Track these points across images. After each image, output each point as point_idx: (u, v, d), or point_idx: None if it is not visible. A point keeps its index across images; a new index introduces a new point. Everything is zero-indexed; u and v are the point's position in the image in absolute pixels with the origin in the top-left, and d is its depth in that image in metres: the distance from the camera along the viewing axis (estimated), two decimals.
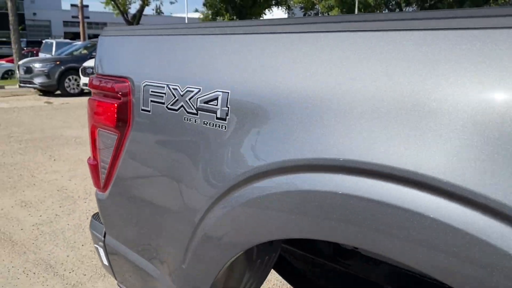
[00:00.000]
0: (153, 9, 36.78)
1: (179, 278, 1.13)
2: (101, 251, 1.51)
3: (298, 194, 0.79)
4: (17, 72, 13.90)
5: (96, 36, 60.21)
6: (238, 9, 27.82)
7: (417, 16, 0.70)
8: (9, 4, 17.80)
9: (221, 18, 32.53)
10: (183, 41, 1.09)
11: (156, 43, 1.18)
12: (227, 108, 0.93)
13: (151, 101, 1.12)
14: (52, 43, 19.41)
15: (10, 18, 17.97)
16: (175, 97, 1.05)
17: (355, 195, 0.71)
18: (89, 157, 1.45)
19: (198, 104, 0.99)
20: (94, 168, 1.41)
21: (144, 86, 1.14)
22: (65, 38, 43.83)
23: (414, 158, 0.65)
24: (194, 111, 1.00)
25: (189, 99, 1.01)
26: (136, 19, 31.60)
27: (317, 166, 0.76)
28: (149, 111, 1.14)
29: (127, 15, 31.81)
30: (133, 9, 32.56)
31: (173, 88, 1.05)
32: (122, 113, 1.21)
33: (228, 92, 0.93)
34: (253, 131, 0.88)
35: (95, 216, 1.58)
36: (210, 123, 0.97)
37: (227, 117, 0.93)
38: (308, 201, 0.78)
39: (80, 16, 17.74)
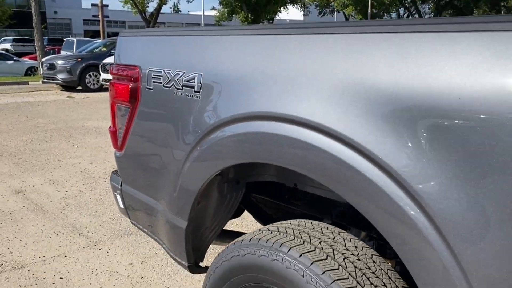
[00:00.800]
0: (170, 7, 37.36)
1: (172, 205, 1.62)
2: (119, 197, 2.02)
3: (241, 134, 1.28)
4: (41, 68, 14.63)
5: (114, 34, 61.19)
6: (252, 7, 28.27)
7: (301, 25, 1.18)
8: (32, 4, 18.56)
9: (237, 16, 33.01)
10: (173, 40, 1.60)
11: (156, 41, 1.68)
12: (200, 84, 1.42)
13: (153, 82, 1.62)
14: (73, 41, 20.18)
15: (34, 17, 18.75)
16: (168, 78, 1.54)
17: (268, 132, 1.19)
18: (110, 126, 1.96)
19: (183, 82, 1.48)
20: (114, 134, 1.92)
21: (148, 72, 1.64)
22: (85, 36, 44.91)
23: (298, 110, 1.13)
24: (180, 87, 1.49)
25: (177, 79, 1.50)
26: (153, 17, 32.31)
27: (248, 117, 1.25)
28: (151, 89, 1.64)
29: (145, 13, 32.56)
30: (151, 7, 33.19)
31: (167, 72, 1.55)
32: (133, 91, 1.71)
33: (201, 74, 1.42)
34: (215, 98, 1.37)
35: (114, 172, 2.09)
36: (190, 95, 1.46)
37: (200, 90, 1.42)
38: (246, 138, 1.27)
39: (100, 15, 18.44)
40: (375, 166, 0.97)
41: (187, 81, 1.46)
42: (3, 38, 37.49)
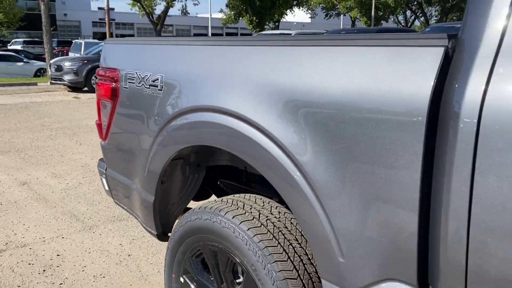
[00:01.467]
0: (179, 9, 37.81)
1: (143, 183, 1.97)
2: (104, 180, 2.37)
3: (190, 123, 1.62)
4: (49, 70, 15.10)
5: (123, 35, 61.74)
6: (257, 10, 28.65)
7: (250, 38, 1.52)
8: (42, 7, 19.08)
9: (243, 19, 33.41)
10: (144, 48, 1.95)
11: (131, 49, 2.03)
12: (162, 84, 1.76)
13: (128, 82, 1.97)
14: (81, 43, 20.65)
15: (43, 20, 19.25)
16: (139, 79, 1.89)
17: (208, 120, 1.54)
18: (96, 120, 2.31)
19: (150, 82, 1.82)
20: (99, 126, 2.27)
21: (125, 73, 1.99)
22: (93, 38, 45.55)
23: (227, 104, 1.47)
24: (148, 86, 1.84)
25: (146, 80, 1.85)
26: (160, 20, 32.85)
27: (194, 109, 1.59)
28: (127, 88, 1.98)
29: (152, 16, 33.11)
30: (159, 10, 33.68)
31: (139, 74, 1.89)
32: (114, 89, 2.06)
33: (163, 76, 1.76)
34: (173, 95, 1.72)
35: (101, 160, 2.44)
36: (155, 92, 1.80)
37: (163, 88, 1.77)
38: (193, 125, 1.61)
39: (106, 18, 18.90)
40: (275, 145, 1.31)
41: (153, 81, 1.81)
42: (14, 40, 38.23)
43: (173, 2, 32.13)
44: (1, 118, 8.43)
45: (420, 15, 39.36)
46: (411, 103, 0.99)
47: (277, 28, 34.00)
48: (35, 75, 20.47)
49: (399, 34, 1.09)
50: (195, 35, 64.17)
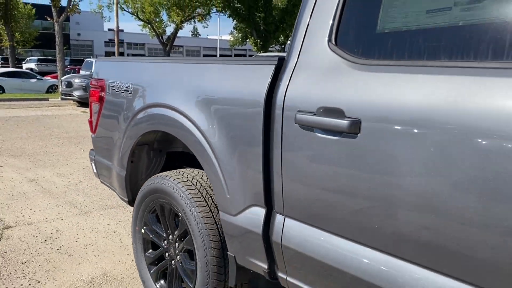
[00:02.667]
0: (190, 31, 39.05)
1: (118, 162, 2.68)
2: (93, 164, 3.09)
3: (148, 115, 2.35)
4: (60, 86, 16.04)
5: (134, 55, 63.18)
6: (262, 33, 29.69)
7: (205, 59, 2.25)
8: (56, 28, 20.20)
9: (249, 41, 34.48)
10: (121, 64, 2.69)
11: (113, 64, 2.78)
12: (131, 89, 2.50)
13: (110, 88, 2.70)
14: (92, 62, 21.63)
15: (57, 39, 20.36)
16: (118, 86, 2.62)
17: (158, 113, 2.26)
18: (88, 118, 3.05)
19: (124, 88, 2.56)
20: (90, 123, 3.00)
21: (109, 83, 2.73)
22: (105, 56, 46.98)
23: (170, 101, 2.19)
24: (123, 91, 2.57)
25: (121, 86, 2.58)
26: (170, 41, 34.06)
27: (150, 105, 2.32)
28: (110, 93, 2.72)
29: (162, 37, 34.34)
30: (169, 31, 34.95)
31: (117, 83, 2.63)
32: (101, 94, 2.80)
33: (132, 83, 2.50)
34: (139, 95, 2.45)
35: (92, 149, 3.16)
36: (127, 95, 2.53)
37: (132, 92, 2.50)
38: (149, 117, 2.33)
39: (115, 39, 19.94)
40: (195, 127, 2.02)
41: (126, 87, 2.54)
42: (28, 58, 39.65)
43: (182, 25, 33.31)
44: (14, 128, 9.25)
45: None
46: (256, 98, 1.71)
47: (283, 50, 35.03)
48: (47, 91, 21.47)
49: (255, 58, 1.81)
50: (204, 55, 65.69)
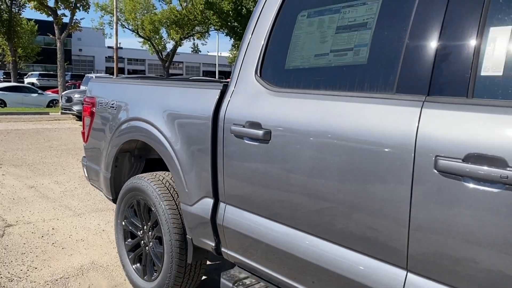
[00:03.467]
0: (191, 47, 39.85)
1: (104, 166, 3.21)
2: (85, 169, 3.62)
3: (130, 126, 2.88)
4: (60, 101, 16.64)
5: (135, 71, 63.92)
6: None
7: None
8: (57, 44, 20.90)
9: None
10: (106, 84, 3.25)
11: (103, 85, 3.33)
12: (116, 106, 3.04)
13: (99, 105, 3.25)
14: (92, 77, 22.27)
15: (58, 55, 21.05)
16: (105, 103, 3.17)
17: (135, 125, 2.80)
18: (81, 130, 3.59)
19: (110, 104, 3.11)
20: (83, 134, 3.54)
21: (98, 100, 3.28)
22: (106, 72, 47.78)
23: (145, 115, 2.73)
24: (109, 107, 3.11)
25: (108, 103, 3.13)
26: (169, 57, 34.87)
27: (130, 119, 2.86)
28: (99, 109, 3.26)
29: (161, 53, 35.17)
30: (169, 48, 35.76)
31: (105, 100, 3.18)
32: (92, 110, 3.34)
33: (116, 100, 3.05)
34: (122, 111, 2.99)
35: (84, 157, 3.69)
36: (112, 110, 3.08)
37: (116, 108, 3.04)
38: (129, 129, 2.87)
39: (115, 57, 20.62)
40: (163, 136, 2.55)
41: (111, 104, 3.09)
42: (30, 73, 40.41)
43: (182, 42, 34.12)
44: (15, 140, 9.79)
45: None
46: (206, 114, 2.25)
47: None
48: (48, 106, 22.05)
49: (207, 83, 2.36)
50: (204, 72, 66.66)
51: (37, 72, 39.21)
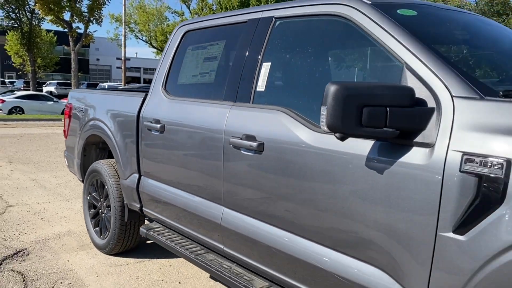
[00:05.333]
0: None
1: (76, 155, 4.24)
2: (65, 159, 4.67)
3: (91, 124, 3.92)
4: None
5: (150, 80, 65.54)
6: None
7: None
8: (72, 55, 22.32)
9: None
10: (79, 94, 4.30)
11: (76, 94, 4.39)
12: (83, 109, 4.08)
13: (74, 109, 4.29)
14: (105, 86, 23.70)
15: (72, 66, 22.46)
16: (78, 108, 4.21)
17: (95, 124, 3.84)
18: (63, 128, 4.64)
19: (80, 108, 4.15)
20: (64, 131, 4.60)
21: (74, 105, 4.32)
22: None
23: (101, 117, 3.76)
24: (80, 110, 4.15)
25: (79, 107, 4.17)
26: None
27: (92, 119, 3.89)
28: (74, 112, 4.31)
29: None
30: None
31: (78, 105, 4.22)
32: (70, 113, 4.39)
33: (84, 106, 4.09)
34: (87, 113, 4.02)
35: (65, 150, 4.73)
36: (81, 113, 4.12)
37: (83, 111, 4.08)
38: (92, 125, 3.91)
39: (123, 67, 21.93)
40: (109, 131, 3.57)
41: (81, 109, 4.12)
42: (49, 82, 42.20)
43: None
44: (27, 143, 10.98)
45: None
46: (133, 114, 3.26)
47: None
48: (62, 113, 23.40)
49: (135, 92, 3.39)
50: None
51: (55, 81, 40.94)
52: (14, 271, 3.44)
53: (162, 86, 3.11)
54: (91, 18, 22.30)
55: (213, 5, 29.42)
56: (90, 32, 22.92)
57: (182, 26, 3.17)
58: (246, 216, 2.33)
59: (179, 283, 3.31)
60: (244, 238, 2.32)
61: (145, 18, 35.82)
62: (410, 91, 1.58)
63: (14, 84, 41.48)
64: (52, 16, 21.71)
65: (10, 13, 30.36)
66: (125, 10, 21.84)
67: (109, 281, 3.31)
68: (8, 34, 36.62)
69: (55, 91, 35.92)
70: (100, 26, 26.93)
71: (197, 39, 2.99)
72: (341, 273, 1.84)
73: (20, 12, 29.90)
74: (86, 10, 22.14)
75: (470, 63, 2.04)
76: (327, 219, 1.90)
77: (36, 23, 32.11)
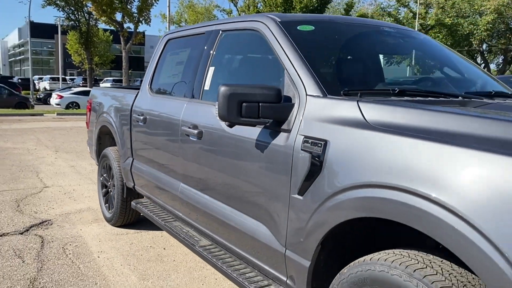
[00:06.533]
0: None
1: (94, 142, 5.01)
2: (88, 147, 5.47)
3: (101, 118, 4.67)
4: None
5: None
6: None
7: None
8: (123, 54, 23.74)
9: None
10: (97, 91, 5.06)
11: (96, 91, 5.16)
12: (98, 104, 4.83)
13: (93, 103, 5.07)
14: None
15: (123, 64, 23.89)
16: (95, 102, 4.98)
17: (105, 116, 4.58)
18: (86, 121, 5.45)
19: (96, 104, 4.91)
20: (87, 123, 5.39)
21: (93, 101, 5.10)
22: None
23: (106, 110, 4.50)
24: (97, 105, 4.92)
25: (95, 102, 4.93)
26: None
27: (103, 113, 4.64)
28: (94, 105, 5.08)
29: None
30: None
31: (95, 101, 4.99)
32: (90, 106, 5.17)
33: (99, 101, 4.84)
34: (102, 107, 4.77)
35: (88, 139, 5.53)
36: (98, 107, 4.87)
37: (98, 106, 4.83)
38: (101, 119, 4.66)
39: None
40: (113, 121, 4.28)
41: (97, 103, 4.88)
42: (105, 79, 44.64)
43: None
44: (74, 135, 12.14)
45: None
46: (128, 107, 3.95)
47: None
48: None
49: (131, 89, 4.08)
50: None
51: (111, 78, 43.31)
52: (36, 235, 4.24)
53: (148, 85, 3.77)
54: (140, 19, 23.66)
55: (258, 3, 30.09)
56: (139, 32, 24.31)
57: (166, 35, 3.82)
58: (192, 188, 2.94)
59: (164, 248, 3.98)
60: (191, 206, 2.93)
61: (194, 17, 37.10)
62: (277, 91, 2.12)
63: (74, 80, 44.27)
64: (105, 17, 23.22)
65: (70, 15, 32.54)
66: (169, 11, 23.10)
67: (108, 245, 4.03)
68: (69, 34, 39.16)
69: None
70: (149, 26, 28.40)
71: (175, 46, 3.62)
72: (242, 228, 2.41)
73: (79, 13, 31.98)
74: (135, 11, 23.53)
75: (336, 68, 2.53)
76: (233, 187, 2.48)
77: (93, 23, 34.18)
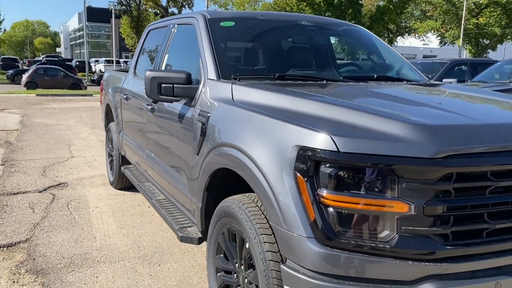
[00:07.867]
0: None
1: (104, 115, 5.84)
2: (102, 121, 6.34)
3: (108, 93, 5.48)
4: None
5: None
6: None
7: None
8: None
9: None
10: (108, 75, 5.87)
11: (108, 76, 5.96)
12: (106, 83, 5.63)
13: (104, 84, 5.88)
14: None
15: None
16: (106, 86, 5.79)
17: (108, 93, 5.37)
18: (100, 99, 6.28)
19: (110, 88, 5.71)
20: (100, 101, 6.23)
21: (104, 81, 5.91)
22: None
23: (108, 88, 5.28)
24: (106, 85, 5.72)
25: (107, 86, 5.74)
26: None
27: (107, 91, 5.43)
28: (104, 87, 5.90)
29: None
30: None
31: (105, 82, 5.80)
32: (102, 87, 6.00)
33: (106, 81, 5.64)
34: (107, 87, 5.57)
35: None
36: (106, 86, 5.68)
37: (106, 84, 5.64)
38: (107, 94, 5.46)
39: None
40: (111, 98, 5.06)
41: (106, 84, 5.68)
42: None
43: None
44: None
45: None
46: (120, 87, 4.70)
47: None
48: None
49: (125, 73, 4.83)
50: None
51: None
52: (51, 193, 5.14)
53: (133, 69, 4.49)
54: (184, 3, 24.58)
55: None
56: None
57: (149, 26, 4.51)
58: (150, 152, 3.64)
59: (148, 207, 4.74)
60: (151, 167, 3.64)
61: (240, 0, 37.69)
62: (188, 75, 2.74)
63: (128, 63, 46.33)
64: (151, 1, 24.35)
65: (122, 0, 34.09)
66: None
67: (104, 203, 4.84)
68: (122, 18, 40.95)
69: None
70: (192, 10, 29.22)
71: (153, 36, 4.30)
72: (172, 182, 3.09)
73: None
74: None
75: (237, 57, 3.09)
76: (168, 149, 3.16)
77: (144, 8, 35.60)
